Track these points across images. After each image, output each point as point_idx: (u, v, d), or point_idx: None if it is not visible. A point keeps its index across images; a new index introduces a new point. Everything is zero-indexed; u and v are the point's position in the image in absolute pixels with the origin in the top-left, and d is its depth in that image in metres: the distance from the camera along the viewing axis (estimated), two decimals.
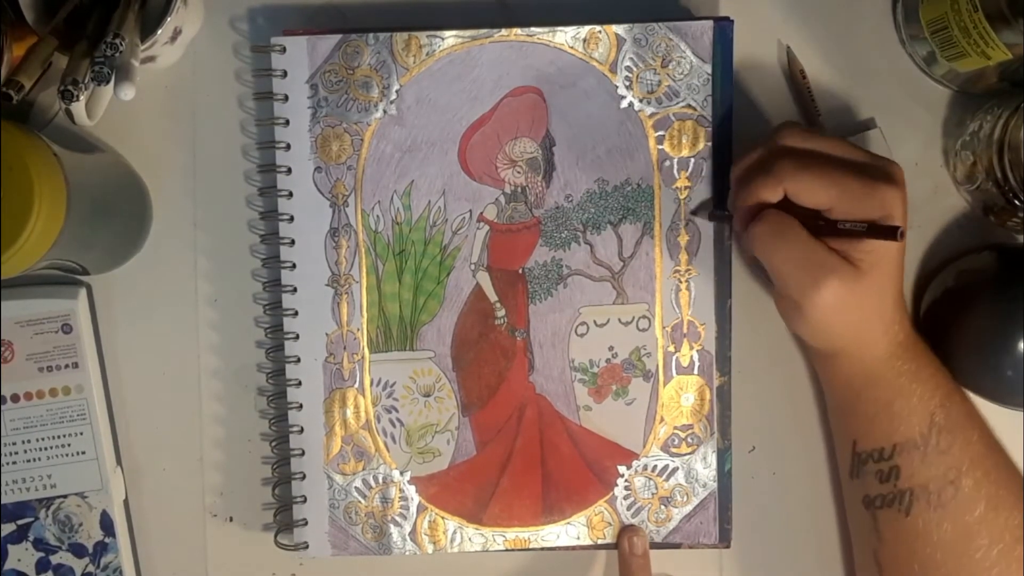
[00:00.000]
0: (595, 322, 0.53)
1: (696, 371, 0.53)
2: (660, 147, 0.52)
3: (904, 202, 0.45)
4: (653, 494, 0.53)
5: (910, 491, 0.47)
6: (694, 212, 0.52)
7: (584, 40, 0.51)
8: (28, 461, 0.53)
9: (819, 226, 0.45)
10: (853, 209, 0.44)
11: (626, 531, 0.53)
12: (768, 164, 0.45)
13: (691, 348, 0.53)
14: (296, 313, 0.52)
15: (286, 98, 0.52)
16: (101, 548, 0.53)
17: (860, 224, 0.44)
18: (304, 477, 0.53)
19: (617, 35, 0.51)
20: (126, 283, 0.54)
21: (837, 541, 0.55)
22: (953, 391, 0.48)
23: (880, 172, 0.45)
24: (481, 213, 0.52)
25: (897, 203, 0.44)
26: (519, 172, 0.52)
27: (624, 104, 0.52)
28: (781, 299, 0.48)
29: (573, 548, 0.54)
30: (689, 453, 0.53)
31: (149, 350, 0.54)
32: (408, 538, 0.53)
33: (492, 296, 0.53)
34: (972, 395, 0.50)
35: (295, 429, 0.52)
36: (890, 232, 0.42)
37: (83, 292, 0.53)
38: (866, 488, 0.49)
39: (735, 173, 0.48)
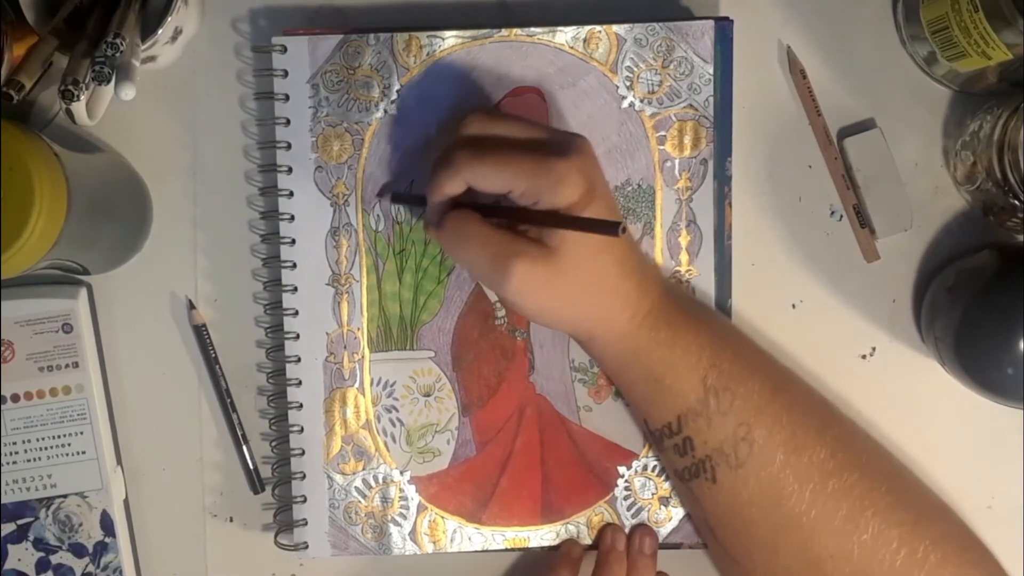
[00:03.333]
0: None
1: None
2: (661, 147, 0.52)
3: (582, 171, 0.43)
4: (653, 494, 0.53)
5: (708, 458, 0.47)
6: (379, 195, 0.51)
7: (584, 40, 0.51)
8: (28, 461, 0.53)
9: (533, 214, 0.44)
10: (530, 188, 0.43)
11: (636, 530, 0.53)
12: (447, 156, 0.45)
13: None
14: (296, 312, 0.52)
15: (287, 98, 0.52)
16: (101, 548, 0.53)
17: (577, 219, 0.43)
18: (304, 477, 0.53)
19: (617, 35, 0.51)
20: (126, 283, 0.54)
21: None
22: (722, 347, 0.47)
23: (555, 146, 0.44)
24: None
25: (572, 172, 0.43)
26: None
27: (625, 104, 0.52)
28: (499, 299, 0.47)
29: None
30: None
31: (149, 350, 0.54)
32: (408, 538, 0.53)
33: (492, 296, 0.53)
34: (982, 397, 0.51)
35: (295, 429, 0.52)
36: (611, 228, 0.40)
37: (83, 292, 0.53)
38: (672, 463, 0.49)
39: (428, 158, 0.48)
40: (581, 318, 0.47)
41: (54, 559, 0.53)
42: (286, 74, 0.52)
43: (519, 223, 0.45)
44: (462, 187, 0.45)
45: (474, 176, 0.44)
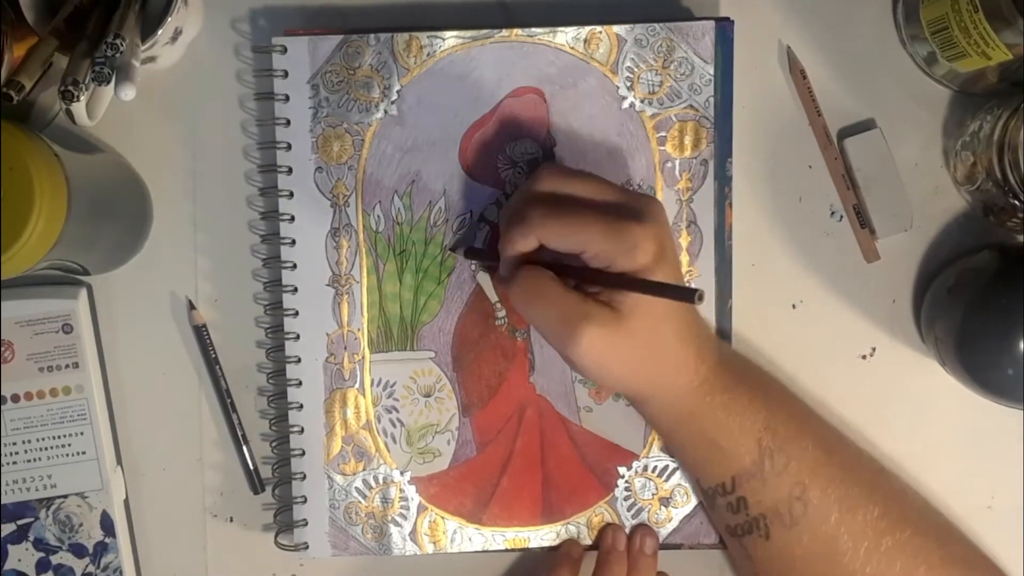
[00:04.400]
0: None
1: None
2: (662, 148, 0.52)
3: (656, 237, 0.44)
4: (653, 495, 0.53)
5: (763, 516, 0.47)
6: (453, 248, 0.52)
7: (585, 41, 0.51)
8: (28, 461, 0.53)
9: (608, 277, 0.44)
10: (604, 252, 0.43)
11: (637, 530, 0.53)
12: (520, 212, 0.45)
13: None
14: (297, 313, 0.52)
15: (287, 98, 0.52)
16: (101, 548, 0.53)
17: (657, 284, 0.43)
18: (304, 477, 0.52)
19: (618, 35, 0.51)
20: (126, 283, 0.54)
21: None
22: (776, 409, 0.48)
23: (630, 210, 0.44)
24: (482, 213, 0.52)
25: (647, 238, 0.43)
26: (520, 172, 0.52)
27: (625, 105, 0.52)
28: (563, 358, 0.47)
29: None
30: None
31: (149, 350, 0.54)
32: (408, 538, 0.53)
33: (493, 296, 0.53)
34: (982, 397, 0.51)
35: (295, 429, 0.52)
36: (688, 294, 0.40)
37: (83, 292, 0.53)
38: (724, 520, 0.49)
39: (502, 217, 0.48)
40: (640, 382, 0.47)
41: (54, 559, 0.53)
42: (286, 74, 0.52)
43: (590, 284, 0.45)
44: (534, 244, 0.45)
45: (547, 235, 0.44)
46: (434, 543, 0.53)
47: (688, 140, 0.52)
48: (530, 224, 0.44)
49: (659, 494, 0.53)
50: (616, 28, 0.51)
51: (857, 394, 0.54)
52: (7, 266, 0.43)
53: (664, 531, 0.53)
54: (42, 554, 0.53)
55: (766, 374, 0.52)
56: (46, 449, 0.53)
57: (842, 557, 0.46)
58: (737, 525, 0.48)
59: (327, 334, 0.52)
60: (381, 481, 0.53)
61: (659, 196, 0.52)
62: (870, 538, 0.46)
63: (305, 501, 0.52)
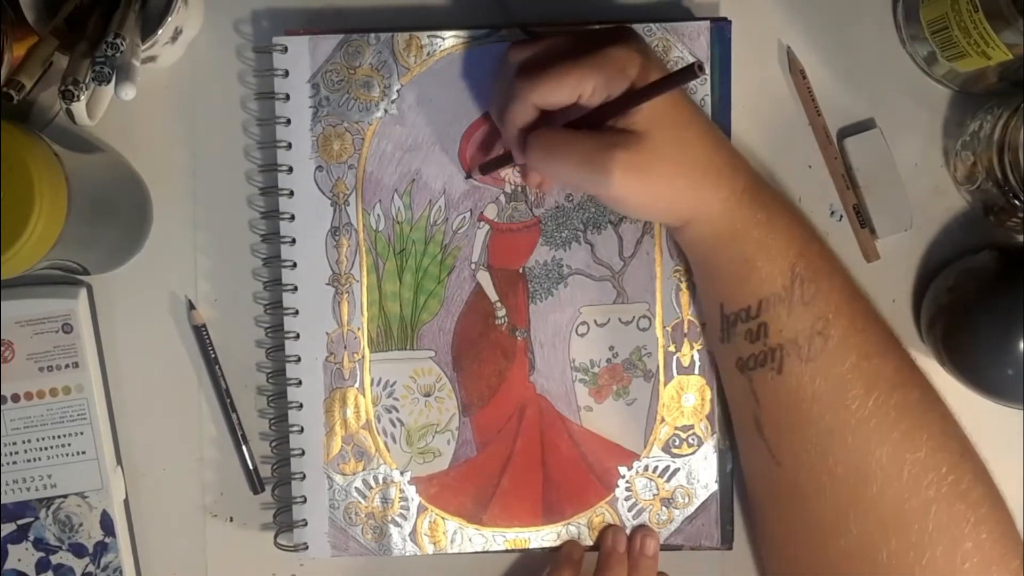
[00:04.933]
0: (596, 322, 0.53)
1: (697, 371, 0.53)
2: None
3: (636, 49, 0.44)
4: (654, 495, 0.53)
5: (780, 347, 0.46)
6: (469, 176, 0.52)
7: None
8: (28, 461, 0.53)
9: (613, 104, 0.44)
10: (599, 83, 0.43)
11: (637, 531, 0.53)
12: (508, 90, 0.45)
13: (692, 348, 0.53)
14: (296, 312, 0.52)
15: (287, 97, 0.52)
16: (101, 548, 0.53)
17: (655, 83, 0.43)
18: (304, 477, 0.52)
19: None
20: (126, 283, 0.54)
21: None
22: (811, 239, 0.47)
23: (601, 40, 0.44)
24: (482, 212, 0.52)
25: (628, 53, 0.44)
26: (519, 172, 0.52)
27: None
28: (601, 199, 0.47)
29: None
30: (690, 454, 0.53)
31: (149, 350, 0.54)
32: (408, 539, 0.53)
33: (493, 296, 0.53)
34: (982, 397, 0.51)
35: (295, 429, 0.52)
36: (688, 73, 0.40)
37: (83, 292, 0.53)
38: (738, 351, 0.48)
39: (493, 115, 0.48)
40: (681, 201, 0.46)
41: (54, 559, 0.53)
42: (287, 74, 0.52)
43: (602, 123, 0.45)
44: (533, 112, 0.45)
45: (541, 94, 0.44)
46: (434, 543, 0.53)
47: None
48: (521, 93, 0.44)
49: (660, 494, 0.53)
50: None
51: None
52: (7, 266, 0.43)
53: (665, 532, 0.53)
54: (42, 554, 0.53)
55: (797, 208, 0.50)
56: (46, 449, 0.53)
57: (851, 403, 0.45)
58: (751, 356, 0.47)
59: (327, 333, 0.52)
60: (381, 481, 0.53)
61: None
62: (882, 390, 0.45)
63: (305, 501, 0.52)
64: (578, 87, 0.44)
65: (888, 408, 0.45)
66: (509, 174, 0.52)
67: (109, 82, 0.45)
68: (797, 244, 0.46)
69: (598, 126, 0.45)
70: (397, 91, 0.52)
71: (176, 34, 0.51)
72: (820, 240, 0.48)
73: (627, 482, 0.53)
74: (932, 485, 0.45)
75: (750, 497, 0.52)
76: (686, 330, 0.53)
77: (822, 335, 0.45)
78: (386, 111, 0.52)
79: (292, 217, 0.52)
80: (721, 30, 0.52)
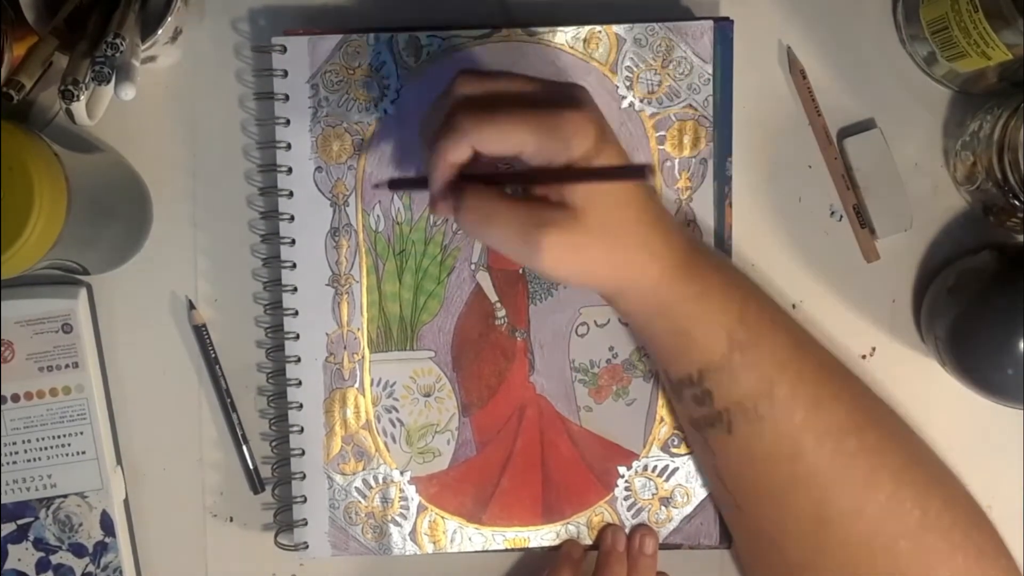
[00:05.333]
0: (595, 322, 0.53)
1: None
2: (661, 147, 0.52)
3: (592, 120, 0.41)
4: (653, 495, 0.53)
5: (727, 410, 0.46)
6: (376, 186, 0.50)
7: (584, 40, 0.51)
8: (28, 461, 0.53)
9: (552, 173, 0.42)
10: (543, 146, 0.41)
11: (637, 530, 0.53)
12: (449, 122, 0.41)
13: None
14: (296, 313, 0.52)
15: (287, 98, 0.52)
16: (101, 548, 0.53)
17: (604, 170, 0.41)
18: (304, 477, 0.52)
19: (617, 35, 0.51)
20: (126, 283, 0.54)
21: None
22: (749, 301, 0.46)
23: (559, 98, 0.42)
24: None
25: (584, 123, 0.41)
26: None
27: (624, 104, 0.52)
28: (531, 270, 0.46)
29: None
30: (689, 453, 0.53)
31: (149, 350, 0.54)
32: (408, 538, 0.53)
33: (492, 296, 0.53)
34: (982, 397, 0.51)
35: (295, 429, 0.52)
36: (637, 172, 0.38)
37: (83, 292, 0.53)
38: (688, 412, 0.48)
39: (424, 133, 0.44)
40: (611, 276, 0.45)
41: (54, 559, 0.53)
42: (286, 74, 0.52)
43: (536, 185, 0.43)
44: (468, 153, 0.42)
45: (481, 139, 0.41)
46: (434, 543, 0.53)
47: (687, 139, 0.52)
48: (462, 131, 0.41)
49: (659, 494, 0.53)
50: (615, 28, 0.51)
51: None
52: (7, 266, 0.43)
53: (664, 531, 0.53)
54: (42, 554, 0.53)
55: (737, 267, 0.50)
56: (46, 449, 0.53)
57: (805, 457, 0.45)
58: (701, 417, 0.47)
59: (327, 334, 0.52)
60: (381, 481, 0.53)
61: (659, 195, 0.52)
62: (835, 438, 0.45)
63: (305, 501, 0.52)
64: (521, 145, 0.41)
65: (842, 456, 0.45)
66: None
67: (109, 82, 0.45)
68: (735, 310, 0.45)
69: (529, 187, 0.43)
70: (397, 91, 0.52)
71: (176, 34, 0.51)
72: (760, 298, 0.48)
73: (626, 482, 0.53)
74: (898, 522, 0.45)
75: (730, 531, 0.53)
76: None
77: (767, 396, 0.45)
78: (386, 111, 0.52)
79: (292, 218, 0.52)
80: (724, 29, 0.51)
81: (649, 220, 0.44)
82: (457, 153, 0.42)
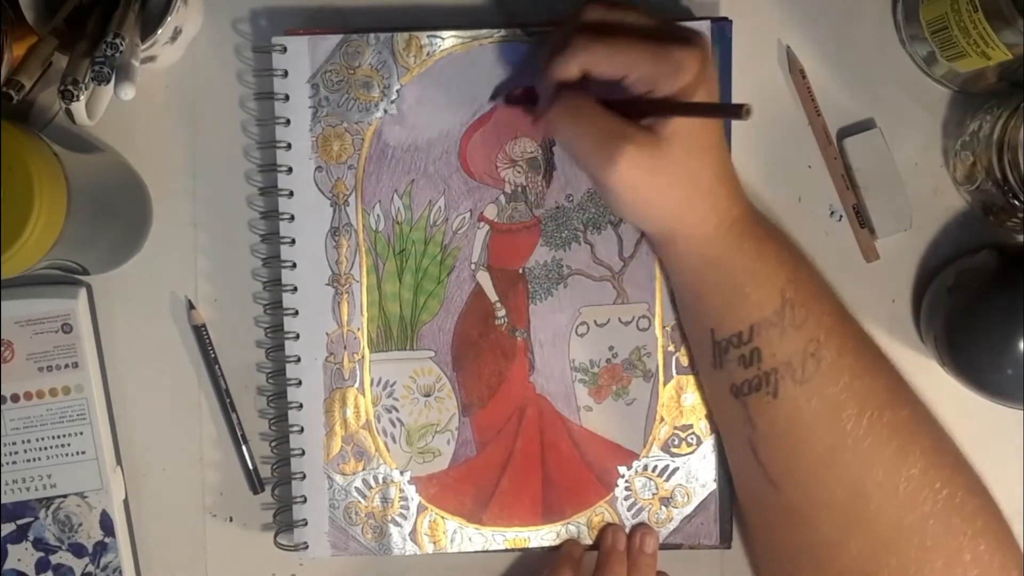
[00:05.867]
0: (595, 322, 0.53)
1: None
2: None
3: (700, 60, 0.43)
4: (653, 494, 0.53)
5: (774, 371, 0.46)
6: (492, 97, 0.51)
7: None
8: (28, 461, 0.53)
9: (652, 103, 0.43)
10: (648, 74, 0.43)
11: (637, 530, 0.53)
12: (565, 40, 0.44)
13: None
14: (296, 312, 0.52)
15: (287, 98, 0.52)
16: (101, 548, 0.53)
17: (702, 105, 0.42)
18: (304, 477, 0.52)
19: None
20: (126, 283, 0.54)
21: None
22: (800, 265, 0.47)
23: (674, 35, 0.44)
24: (481, 213, 0.52)
25: (690, 59, 0.43)
26: (519, 172, 0.52)
27: None
28: (593, 181, 0.47)
29: None
30: (689, 453, 0.53)
31: (149, 350, 0.54)
32: (408, 538, 0.53)
33: (492, 296, 0.53)
34: (982, 397, 0.51)
35: (295, 429, 0.52)
36: (735, 110, 0.39)
37: (83, 292, 0.53)
38: (732, 377, 0.48)
39: (540, 58, 0.47)
40: (672, 216, 0.46)
41: (54, 559, 0.53)
42: (286, 74, 0.52)
43: (631, 114, 0.44)
44: (577, 72, 0.44)
45: (592, 59, 0.43)
46: (434, 543, 0.53)
47: None
48: (574, 49, 0.43)
49: (659, 494, 0.53)
50: None
51: None
52: (7, 266, 0.43)
53: (664, 531, 0.53)
54: (42, 554, 0.53)
55: (789, 236, 0.50)
56: (46, 449, 0.53)
57: (846, 423, 0.45)
58: (745, 381, 0.47)
59: (327, 333, 0.52)
60: (381, 481, 0.53)
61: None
62: (874, 408, 0.46)
63: (305, 501, 0.52)
64: (628, 68, 0.43)
65: (881, 426, 0.45)
66: (509, 174, 0.52)
67: (109, 82, 0.45)
68: (787, 270, 0.46)
69: (626, 114, 0.44)
70: (397, 91, 0.52)
71: (176, 34, 0.51)
72: (810, 266, 0.48)
73: (626, 481, 0.53)
74: (927, 500, 0.45)
75: (746, 518, 0.52)
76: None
77: (815, 357, 0.46)
78: (386, 111, 0.52)
79: (292, 217, 0.52)
80: (722, 29, 0.51)
81: (723, 173, 0.46)
82: (567, 69, 0.44)
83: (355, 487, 0.53)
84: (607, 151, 0.43)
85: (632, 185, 0.44)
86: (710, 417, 0.52)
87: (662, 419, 0.53)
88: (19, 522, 0.53)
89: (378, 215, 0.52)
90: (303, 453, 0.52)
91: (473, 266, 0.53)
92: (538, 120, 0.47)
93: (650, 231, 0.49)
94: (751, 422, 0.48)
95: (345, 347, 0.52)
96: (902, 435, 0.46)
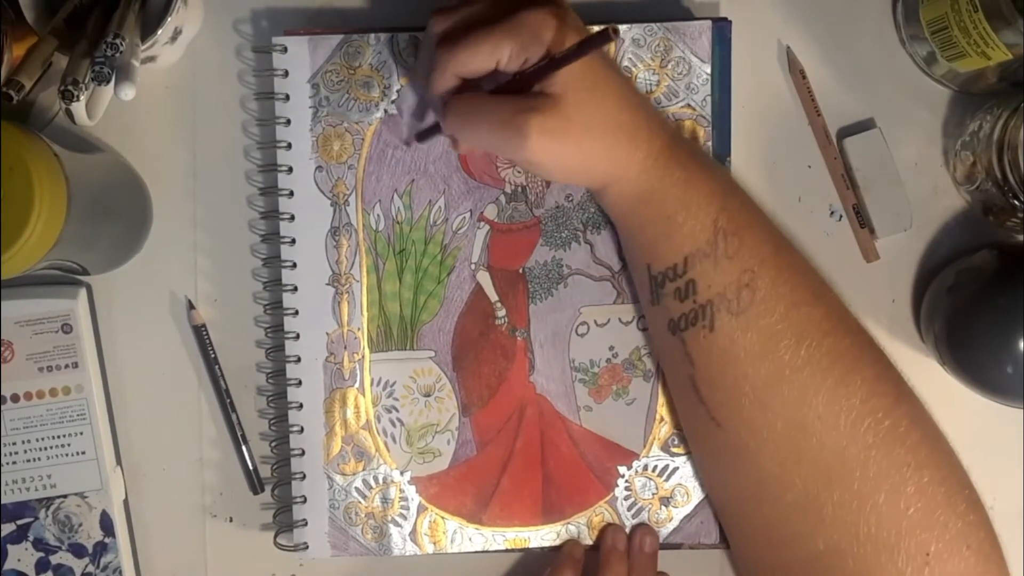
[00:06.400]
0: (596, 322, 0.53)
1: None
2: None
3: (549, 10, 0.44)
4: (653, 494, 0.53)
5: (709, 303, 0.46)
6: (407, 143, 0.52)
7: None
8: (28, 461, 0.53)
9: (530, 73, 0.44)
10: (514, 49, 0.43)
11: (637, 530, 0.53)
12: (430, 60, 0.45)
13: None
14: (296, 312, 0.52)
15: (287, 97, 0.52)
16: (101, 548, 0.53)
17: (569, 50, 0.42)
18: (304, 477, 0.52)
19: None
20: (126, 283, 0.54)
21: None
22: (732, 193, 0.47)
23: (520, 2, 0.44)
24: (482, 213, 0.52)
25: (543, 16, 0.43)
26: (519, 171, 0.52)
27: None
28: (520, 164, 0.47)
29: None
30: (689, 453, 0.53)
31: (149, 350, 0.54)
32: (408, 538, 0.53)
33: (493, 296, 0.53)
34: (982, 397, 0.51)
35: (295, 429, 0.52)
36: (603, 37, 0.40)
37: (83, 292, 0.53)
38: (669, 312, 0.48)
39: (417, 77, 0.48)
40: (596, 164, 0.46)
41: (54, 559, 0.53)
42: (286, 74, 0.52)
43: (523, 89, 0.45)
44: (454, 81, 0.45)
45: (458, 63, 0.44)
46: (434, 543, 0.53)
47: None
48: (440, 62, 0.44)
49: (659, 494, 0.53)
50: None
51: None
52: (7, 266, 0.43)
53: (664, 531, 0.53)
54: (42, 554, 0.53)
55: (720, 164, 0.50)
56: (46, 449, 0.53)
57: (783, 354, 0.45)
58: (682, 316, 0.47)
59: (327, 333, 0.52)
60: (381, 481, 0.53)
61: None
62: (813, 337, 0.45)
63: (305, 501, 0.52)
64: (493, 54, 0.44)
65: (820, 356, 0.45)
66: (509, 174, 0.52)
67: (109, 82, 0.45)
68: (718, 199, 0.46)
69: (520, 92, 0.45)
70: (397, 91, 0.52)
71: (176, 34, 0.51)
72: (742, 193, 0.48)
73: (626, 481, 0.53)
74: (869, 431, 0.44)
75: (694, 457, 0.52)
76: None
77: (749, 287, 0.45)
78: (386, 111, 0.52)
79: (292, 217, 0.52)
80: (722, 30, 0.52)
81: (629, 106, 0.46)
82: (444, 82, 0.45)
83: (355, 487, 0.53)
84: (513, 128, 0.43)
85: (548, 149, 0.44)
86: (655, 359, 0.52)
87: (662, 419, 0.53)
88: (19, 522, 0.53)
89: (378, 215, 0.52)
90: (303, 453, 0.52)
91: (473, 266, 0.53)
92: (453, 140, 0.48)
93: (586, 185, 0.49)
94: (689, 358, 0.47)
95: (345, 347, 0.52)
96: (842, 365, 0.45)
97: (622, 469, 0.53)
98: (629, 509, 0.53)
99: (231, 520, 0.55)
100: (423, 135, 0.51)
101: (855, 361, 0.46)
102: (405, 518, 0.53)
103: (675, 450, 0.53)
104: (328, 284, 0.52)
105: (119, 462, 0.54)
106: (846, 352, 0.46)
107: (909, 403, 0.46)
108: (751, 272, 0.45)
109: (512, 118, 0.43)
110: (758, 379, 0.46)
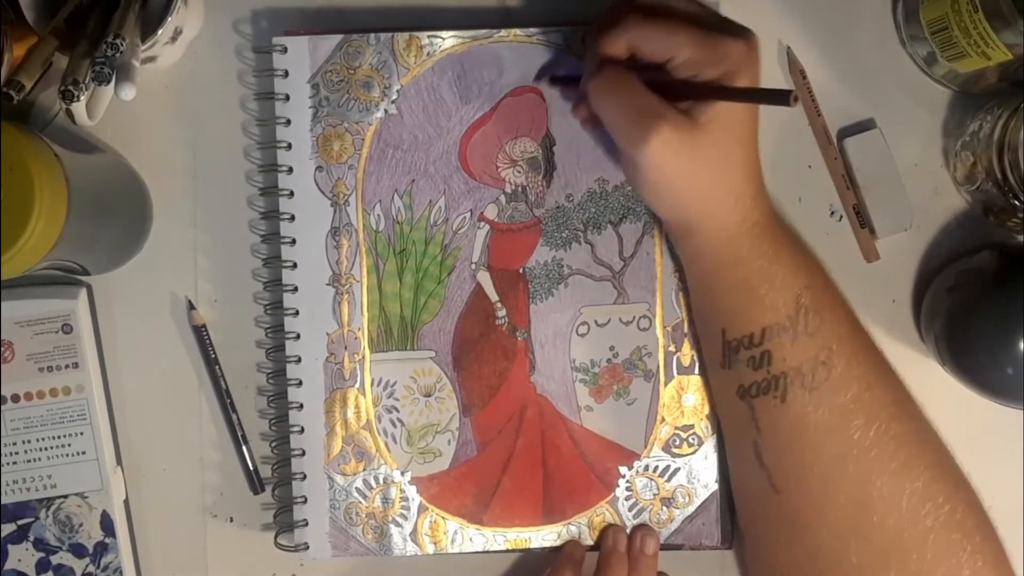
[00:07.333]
0: (596, 322, 0.53)
1: (697, 370, 0.53)
2: None
3: (747, 52, 0.44)
4: (655, 495, 0.53)
5: (784, 375, 0.46)
6: (537, 78, 0.52)
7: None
8: (28, 461, 0.52)
9: (694, 86, 0.44)
10: (694, 58, 0.43)
11: (638, 530, 0.53)
12: (615, 18, 0.44)
13: (692, 347, 0.53)
14: (297, 312, 0.52)
15: (287, 98, 0.52)
16: (101, 548, 0.53)
17: (745, 90, 0.42)
18: (305, 477, 0.52)
19: None
20: (126, 283, 0.54)
21: None
22: (816, 272, 0.47)
23: (729, 29, 0.44)
24: (482, 213, 0.52)
25: (737, 50, 0.43)
26: (519, 172, 0.52)
27: None
28: (623, 159, 0.47)
29: None
30: (690, 453, 0.53)
31: (149, 350, 0.54)
32: (409, 539, 0.53)
33: (493, 296, 0.53)
34: (982, 397, 0.51)
35: (296, 429, 0.52)
36: (781, 96, 0.39)
37: (83, 292, 0.53)
38: (740, 378, 0.48)
39: (591, 31, 0.47)
40: (694, 205, 0.46)
41: (54, 559, 0.53)
42: (287, 74, 0.52)
43: (674, 98, 0.44)
44: (624, 48, 0.44)
45: (640, 37, 0.44)
46: (435, 543, 0.53)
47: None
48: (625, 26, 0.44)
49: (660, 494, 0.53)
50: None
51: None
52: (7, 266, 0.43)
53: (665, 531, 0.53)
54: (42, 554, 0.53)
55: (805, 241, 0.50)
56: (46, 449, 0.53)
57: (853, 433, 0.45)
58: (754, 383, 0.47)
59: (327, 334, 0.52)
60: (381, 481, 0.53)
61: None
62: (882, 420, 0.45)
63: (305, 501, 0.52)
64: (674, 50, 0.43)
65: (888, 438, 0.45)
66: (509, 174, 0.52)
67: (109, 82, 0.45)
68: (803, 276, 0.46)
69: (666, 97, 0.44)
70: (397, 91, 0.52)
71: (176, 34, 0.51)
72: (825, 274, 0.48)
73: (627, 482, 0.53)
74: (930, 515, 0.45)
75: (744, 526, 0.52)
76: (686, 330, 0.52)
77: (825, 365, 0.46)
78: (386, 111, 0.52)
79: (292, 217, 0.52)
80: None
81: (752, 171, 0.46)
82: (614, 45, 0.44)
83: (356, 487, 0.53)
84: (641, 126, 0.43)
85: (661, 165, 0.44)
86: (714, 417, 0.52)
87: (663, 419, 0.53)
88: (19, 522, 0.53)
89: (378, 215, 0.52)
90: (303, 453, 0.52)
91: (473, 266, 0.53)
92: (578, 103, 0.48)
93: (670, 220, 0.49)
94: (756, 424, 0.48)
95: (346, 347, 0.52)
96: (908, 449, 0.46)
97: (623, 469, 0.53)
98: (630, 510, 0.53)
99: (232, 520, 0.55)
100: (558, 80, 0.51)
101: (920, 446, 0.46)
102: (406, 518, 0.53)
103: (676, 451, 0.53)
104: (328, 284, 0.52)
105: (119, 462, 0.54)
106: (911, 436, 0.46)
107: (966, 490, 0.47)
108: (828, 350, 0.46)
109: (648, 116, 0.43)
110: (825, 455, 0.46)
